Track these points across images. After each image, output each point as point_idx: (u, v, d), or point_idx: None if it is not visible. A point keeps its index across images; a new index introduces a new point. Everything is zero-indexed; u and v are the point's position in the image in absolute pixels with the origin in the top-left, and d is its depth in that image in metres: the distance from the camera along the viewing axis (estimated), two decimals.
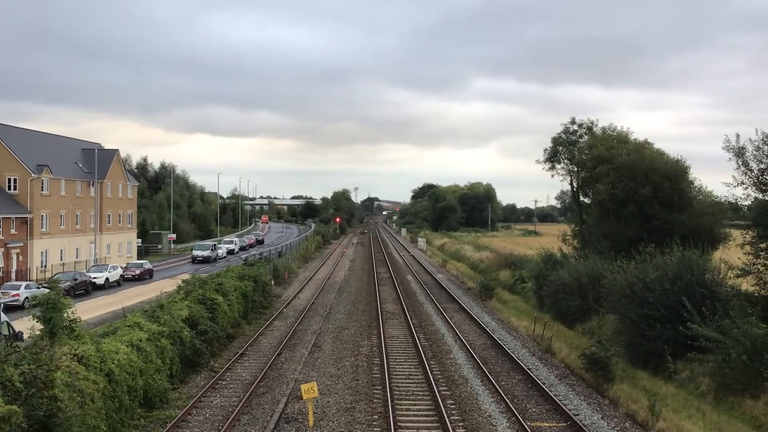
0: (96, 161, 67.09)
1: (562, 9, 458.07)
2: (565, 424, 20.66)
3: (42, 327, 19.52)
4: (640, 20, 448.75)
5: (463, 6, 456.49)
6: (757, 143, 28.03)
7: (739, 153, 28.55)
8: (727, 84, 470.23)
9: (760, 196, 29.08)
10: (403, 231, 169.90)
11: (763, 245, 28.24)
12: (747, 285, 29.34)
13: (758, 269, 28.23)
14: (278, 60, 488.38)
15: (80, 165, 68.80)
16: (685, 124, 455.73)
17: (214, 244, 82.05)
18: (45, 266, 58.88)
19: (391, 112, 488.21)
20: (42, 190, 59.48)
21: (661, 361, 26.34)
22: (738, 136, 28.80)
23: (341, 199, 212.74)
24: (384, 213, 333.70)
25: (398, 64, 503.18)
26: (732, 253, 33.78)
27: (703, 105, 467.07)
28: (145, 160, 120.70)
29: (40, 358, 16.04)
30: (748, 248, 29.03)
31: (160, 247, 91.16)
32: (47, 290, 21.52)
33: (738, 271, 29.06)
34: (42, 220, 59.47)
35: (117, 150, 75.18)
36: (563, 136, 55.26)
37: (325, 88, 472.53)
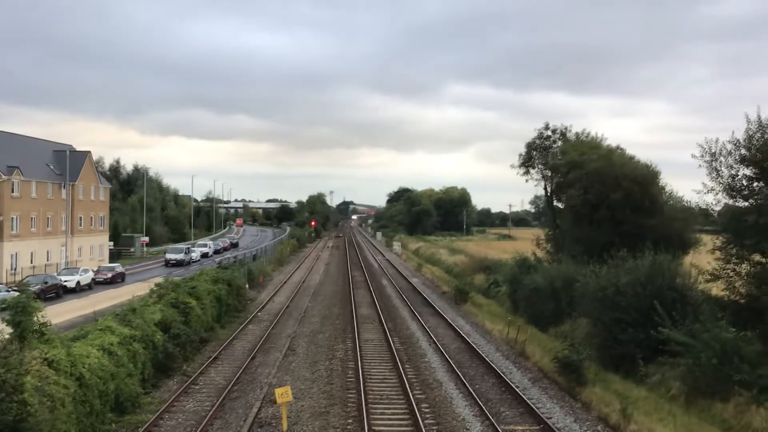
0: (68, 163, 66.23)
1: (536, 18, 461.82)
2: (538, 428, 20.77)
3: (11, 331, 19.20)
4: (609, 31, 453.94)
5: (438, 14, 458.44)
6: (729, 148, 28.54)
7: (713, 158, 29.03)
8: (694, 92, 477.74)
9: (730, 201, 29.61)
10: (378, 235, 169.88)
11: (733, 250, 28.71)
12: (717, 290, 29.81)
13: (728, 274, 28.71)
14: (257, 65, 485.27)
15: (52, 167, 67.91)
16: (656, 131, 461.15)
17: (188, 248, 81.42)
18: (15, 269, 57.99)
19: (367, 117, 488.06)
20: (12, 192, 58.60)
21: (633, 364, 26.62)
22: (717, 140, 29.30)
23: (317, 202, 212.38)
24: (354, 217, 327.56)
25: (375, 70, 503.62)
26: (702, 258, 34.28)
27: (672, 112, 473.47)
28: (117, 162, 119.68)
29: (9, 362, 15.82)
30: (718, 253, 29.49)
31: (132, 250, 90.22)
32: (17, 293, 21.20)
33: (708, 276, 29.52)
34: (12, 222, 58.58)
35: (89, 152, 74.39)
36: (537, 141, 55.69)
37: (302, 93, 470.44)
